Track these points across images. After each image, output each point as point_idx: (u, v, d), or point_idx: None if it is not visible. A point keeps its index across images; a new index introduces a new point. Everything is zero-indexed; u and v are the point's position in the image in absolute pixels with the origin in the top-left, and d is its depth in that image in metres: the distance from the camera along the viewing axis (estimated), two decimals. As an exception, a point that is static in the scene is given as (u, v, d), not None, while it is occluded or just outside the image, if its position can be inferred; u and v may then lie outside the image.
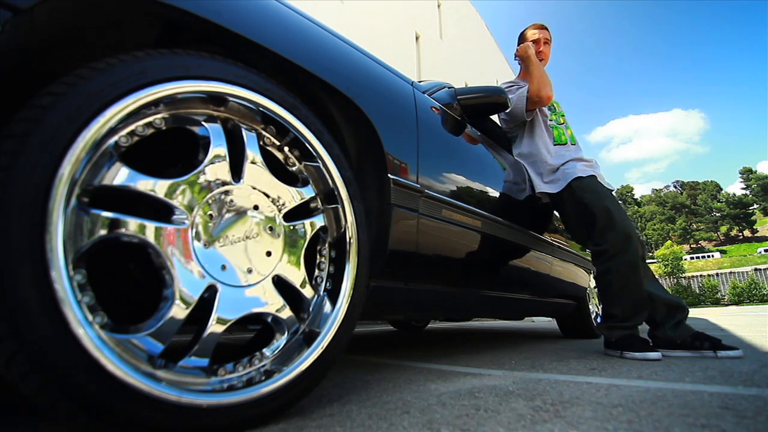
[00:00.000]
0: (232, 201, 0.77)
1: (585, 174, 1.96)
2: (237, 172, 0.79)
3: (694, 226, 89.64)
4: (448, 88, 1.76)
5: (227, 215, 0.76)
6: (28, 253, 0.53)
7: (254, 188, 0.81)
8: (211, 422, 0.66)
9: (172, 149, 0.87)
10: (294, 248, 0.86)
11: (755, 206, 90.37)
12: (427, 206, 1.25)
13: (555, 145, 2.12)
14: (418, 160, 1.24)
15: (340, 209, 0.94)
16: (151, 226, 0.66)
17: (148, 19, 0.84)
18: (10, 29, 0.59)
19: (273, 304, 0.81)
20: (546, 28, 2.28)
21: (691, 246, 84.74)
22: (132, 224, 0.65)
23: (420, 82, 1.69)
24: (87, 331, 0.56)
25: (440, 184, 1.34)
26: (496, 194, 1.77)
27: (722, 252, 73.85)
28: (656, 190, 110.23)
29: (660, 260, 17.51)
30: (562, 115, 2.27)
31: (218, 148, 0.76)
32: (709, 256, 66.89)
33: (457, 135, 1.57)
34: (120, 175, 0.65)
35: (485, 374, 1.33)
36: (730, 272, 15.23)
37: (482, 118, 1.85)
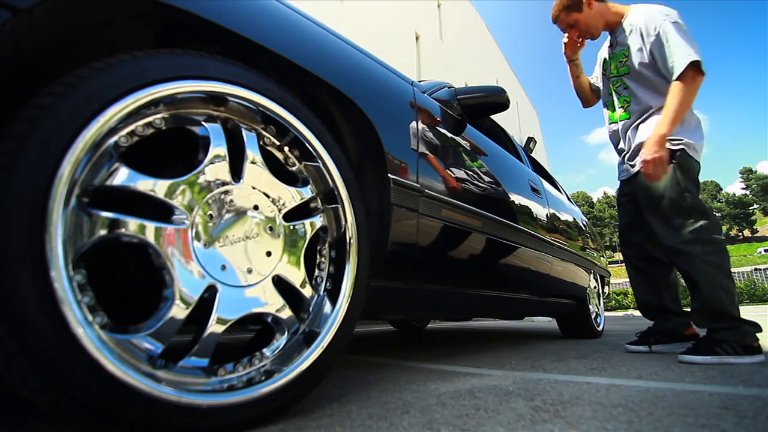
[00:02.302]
0: (232, 201, 0.77)
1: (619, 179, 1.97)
2: (237, 172, 0.79)
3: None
4: (448, 87, 1.76)
5: (227, 215, 0.76)
6: (28, 253, 0.53)
7: (254, 188, 0.81)
8: (210, 422, 0.66)
9: (172, 149, 0.87)
10: (294, 248, 0.86)
11: (755, 206, 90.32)
12: (427, 206, 1.25)
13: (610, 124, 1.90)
14: (418, 160, 1.24)
15: (340, 209, 0.94)
16: (151, 227, 0.66)
17: (148, 19, 0.84)
18: (10, 29, 0.59)
19: (273, 304, 0.81)
20: (555, 19, 1.86)
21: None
22: (132, 224, 0.64)
23: (420, 81, 1.69)
24: (87, 331, 0.56)
25: (440, 184, 1.34)
26: (496, 194, 1.77)
27: (722, 252, 73.74)
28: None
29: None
30: (617, 76, 1.81)
31: (218, 148, 0.76)
32: (709, 256, 66.73)
33: (456, 134, 1.57)
34: (120, 175, 0.65)
35: (485, 374, 1.33)
36: (730, 272, 15.21)
37: (482, 117, 1.85)
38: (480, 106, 1.69)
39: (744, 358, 1.46)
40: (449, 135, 1.50)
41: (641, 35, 1.69)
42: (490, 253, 1.68)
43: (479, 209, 1.52)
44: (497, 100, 1.69)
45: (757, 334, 1.54)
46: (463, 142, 1.59)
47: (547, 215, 2.30)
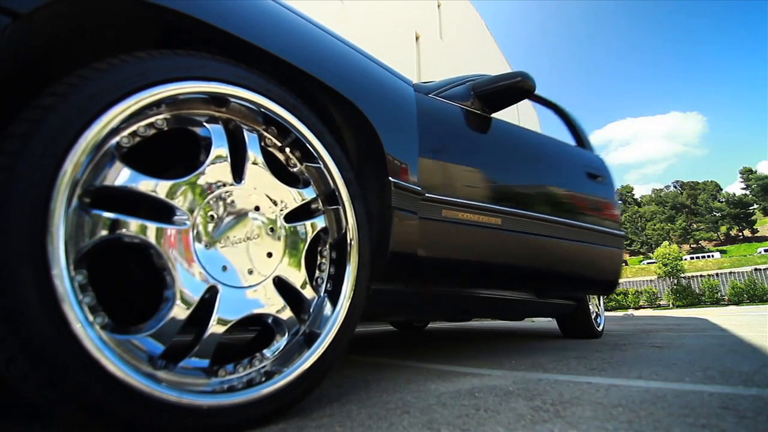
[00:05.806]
0: (233, 202, 0.77)
1: None
2: (238, 173, 0.79)
3: (695, 226, 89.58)
4: (464, 83, 1.65)
5: (228, 216, 0.77)
6: (29, 253, 0.54)
7: (255, 189, 0.81)
8: (211, 423, 0.66)
9: (173, 150, 0.87)
10: (295, 249, 0.86)
11: (755, 206, 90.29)
12: (428, 208, 1.25)
13: None
14: (420, 162, 1.24)
15: (341, 210, 0.94)
16: (152, 227, 0.67)
17: (149, 22, 0.84)
18: (11, 34, 0.59)
19: (273, 305, 0.81)
20: None
21: (692, 246, 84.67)
22: (133, 225, 0.65)
23: (427, 82, 1.65)
24: (87, 332, 0.57)
25: (442, 186, 1.33)
26: (506, 191, 1.64)
27: (722, 252, 73.81)
28: (656, 189, 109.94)
29: (658, 260, 17.48)
30: None
31: (220, 148, 0.77)
32: (709, 256, 66.83)
33: (472, 131, 1.51)
34: (121, 176, 0.65)
35: (485, 374, 1.33)
36: (730, 272, 15.21)
37: (505, 107, 1.67)
38: (500, 96, 1.58)
39: None
40: (458, 133, 1.46)
41: None
42: (492, 254, 1.66)
43: (482, 210, 1.48)
44: (517, 85, 1.54)
45: None
46: (476, 138, 1.52)
47: (600, 202, 2.09)
